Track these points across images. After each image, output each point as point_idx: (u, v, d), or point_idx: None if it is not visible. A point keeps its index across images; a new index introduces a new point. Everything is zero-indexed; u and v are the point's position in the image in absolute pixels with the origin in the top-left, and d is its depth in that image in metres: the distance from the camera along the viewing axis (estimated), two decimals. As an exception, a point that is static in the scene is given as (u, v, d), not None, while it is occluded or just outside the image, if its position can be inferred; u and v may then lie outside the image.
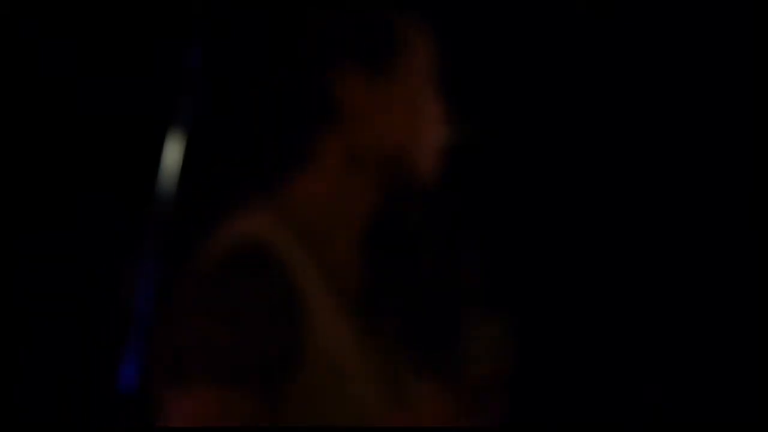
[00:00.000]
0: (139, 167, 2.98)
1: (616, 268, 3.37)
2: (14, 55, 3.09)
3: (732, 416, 3.20)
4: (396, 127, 1.55)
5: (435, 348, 1.53)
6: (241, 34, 2.86)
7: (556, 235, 3.39)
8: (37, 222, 3.12)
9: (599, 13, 3.29)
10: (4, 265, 3.09)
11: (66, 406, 3.10)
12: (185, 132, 2.86)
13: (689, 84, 3.29)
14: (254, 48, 1.61)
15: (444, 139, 1.59)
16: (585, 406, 3.34)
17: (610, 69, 3.33)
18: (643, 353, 3.35)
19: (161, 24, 3.11)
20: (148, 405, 1.50)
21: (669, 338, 3.33)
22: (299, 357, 1.43)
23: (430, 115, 1.58)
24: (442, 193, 1.62)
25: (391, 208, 1.57)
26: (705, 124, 3.30)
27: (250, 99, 1.67)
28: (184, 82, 2.89)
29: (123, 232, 2.98)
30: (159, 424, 1.44)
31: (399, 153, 1.55)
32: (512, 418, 2.87)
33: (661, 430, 3.30)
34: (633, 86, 3.33)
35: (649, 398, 3.32)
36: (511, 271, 3.35)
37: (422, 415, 1.51)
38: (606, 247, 3.37)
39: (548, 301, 3.38)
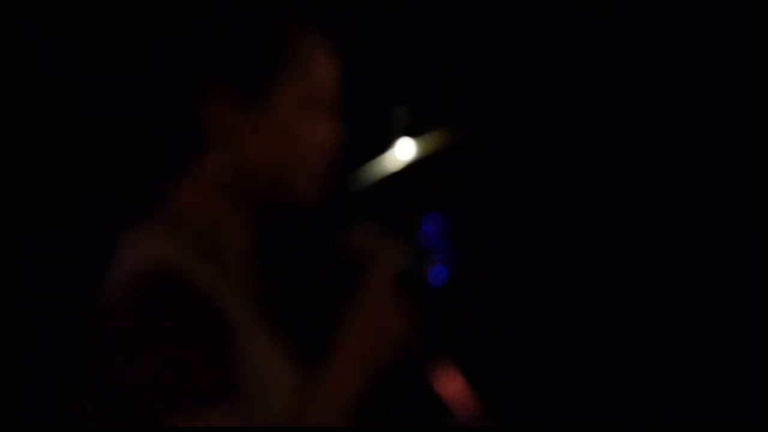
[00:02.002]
0: (139, 167, 2.98)
1: (616, 268, 3.37)
2: (14, 55, 3.09)
3: (732, 416, 3.20)
4: (271, 149, 1.52)
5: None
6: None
7: (555, 235, 3.39)
8: (37, 222, 3.12)
9: (599, 13, 3.29)
10: (4, 265, 3.09)
11: (66, 406, 3.09)
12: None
13: (689, 84, 3.29)
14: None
15: (329, 161, 1.56)
16: (585, 406, 3.34)
17: (610, 69, 3.33)
18: (643, 353, 3.35)
19: (161, 24, 3.11)
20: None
21: (669, 338, 3.33)
22: (237, 370, 1.41)
23: (314, 132, 1.53)
24: (333, 210, 1.60)
25: (275, 225, 1.56)
26: (705, 124, 3.30)
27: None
28: (184, 82, 2.88)
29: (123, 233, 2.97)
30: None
31: (274, 176, 1.52)
32: (512, 418, 2.87)
33: (661, 430, 3.30)
34: (633, 86, 3.33)
35: (649, 398, 3.32)
36: (511, 271, 3.35)
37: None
38: (606, 247, 3.37)
39: (548, 300, 3.38)
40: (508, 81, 3.37)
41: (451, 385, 2.16)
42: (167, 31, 1.59)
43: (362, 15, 1.55)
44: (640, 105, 3.33)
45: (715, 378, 3.27)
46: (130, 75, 3.14)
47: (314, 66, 1.54)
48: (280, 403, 1.45)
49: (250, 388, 1.42)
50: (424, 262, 1.54)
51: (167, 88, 1.55)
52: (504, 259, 3.29)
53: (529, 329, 3.37)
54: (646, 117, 3.33)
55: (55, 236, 3.13)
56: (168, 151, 1.56)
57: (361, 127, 2.15)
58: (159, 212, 1.54)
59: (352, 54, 1.60)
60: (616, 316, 3.36)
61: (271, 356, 1.49)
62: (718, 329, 3.28)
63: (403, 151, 3.16)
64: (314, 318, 1.59)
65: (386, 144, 3.14)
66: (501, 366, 3.26)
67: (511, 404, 3.21)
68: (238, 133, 1.51)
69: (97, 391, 1.44)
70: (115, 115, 3.15)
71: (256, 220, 1.54)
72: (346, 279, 1.54)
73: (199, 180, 1.53)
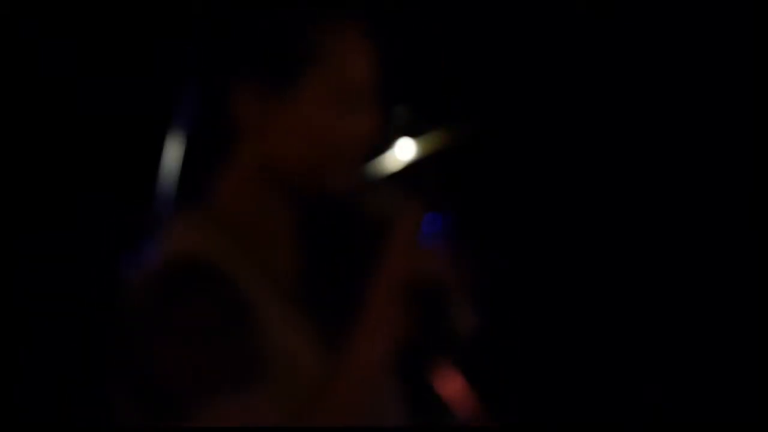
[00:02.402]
0: (139, 167, 2.98)
1: (617, 268, 3.37)
2: (14, 55, 3.09)
3: (732, 416, 3.20)
4: (301, 141, 1.52)
5: None
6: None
7: (555, 235, 3.39)
8: (37, 222, 3.12)
9: (599, 13, 3.29)
10: (4, 265, 3.09)
11: (66, 406, 3.10)
12: (185, 132, 2.86)
13: (689, 84, 3.29)
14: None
15: (362, 152, 1.57)
16: (585, 406, 3.34)
17: (610, 69, 3.33)
18: (643, 353, 3.35)
19: (161, 24, 3.11)
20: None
21: (669, 338, 3.33)
22: (262, 364, 1.42)
23: (345, 124, 1.54)
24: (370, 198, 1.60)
25: (313, 215, 1.57)
26: (705, 124, 3.30)
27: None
28: (184, 82, 2.88)
29: (123, 233, 2.98)
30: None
31: (308, 165, 1.53)
32: (512, 418, 2.87)
33: (661, 430, 3.30)
34: (633, 86, 3.33)
35: (649, 398, 3.32)
36: (511, 271, 3.35)
37: None
38: (606, 247, 3.37)
39: (548, 300, 3.38)
40: (508, 81, 3.38)
41: (451, 385, 2.16)
42: (192, 26, 1.58)
43: (362, 15, 1.54)
44: (640, 105, 3.33)
45: (715, 378, 3.27)
46: (130, 75, 3.14)
47: (344, 56, 1.54)
48: (305, 383, 1.46)
49: (279, 377, 1.43)
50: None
51: (197, 83, 1.55)
52: (504, 259, 3.30)
53: (528, 329, 3.37)
54: (646, 117, 3.33)
55: (55, 236, 3.13)
56: (204, 146, 1.56)
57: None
58: (197, 205, 1.55)
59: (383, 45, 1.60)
60: (616, 316, 3.36)
61: (305, 346, 1.50)
62: (718, 329, 3.28)
63: (403, 151, 3.17)
64: (342, 289, 1.59)
65: (386, 144, 3.14)
66: (501, 366, 3.26)
67: (511, 404, 3.21)
68: (269, 125, 1.52)
69: (126, 375, 1.46)
70: (115, 115, 3.15)
71: (294, 211, 1.55)
72: (368, 243, 1.55)
73: (235, 173, 1.54)
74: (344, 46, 1.54)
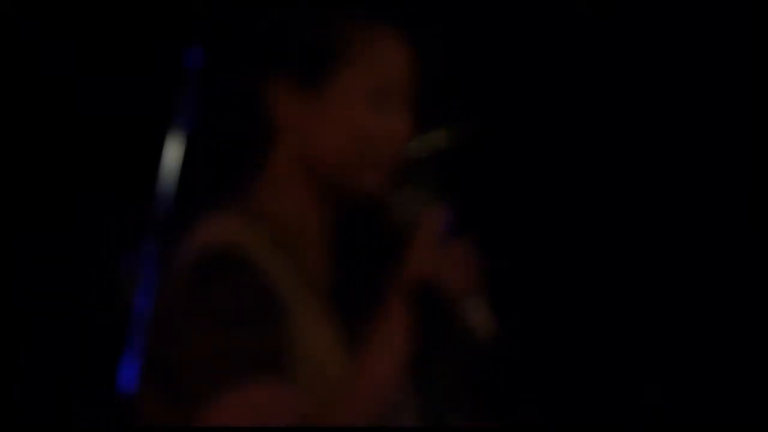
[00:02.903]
0: (139, 167, 2.98)
1: (617, 268, 3.37)
2: (14, 55, 3.09)
3: (732, 416, 3.20)
4: (334, 138, 1.53)
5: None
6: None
7: (555, 235, 3.39)
8: (37, 222, 3.12)
9: (599, 13, 3.28)
10: (4, 265, 3.09)
11: (66, 406, 3.10)
12: (185, 132, 2.86)
13: (689, 84, 3.29)
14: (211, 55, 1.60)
15: (398, 145, 1.57)
16: (585, 406, 3.34)
17: (610, 69, 3.33)
18: (643, 353, 3.35)
19: (161, 24, 3.11)
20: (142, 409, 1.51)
21: (669, 338, 3.33)
22: (288, 356, 1.43)
23: (378, 123, 1.54)
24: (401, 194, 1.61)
25: (346, 213, 1.58)
26: (705, 124, 3.30)
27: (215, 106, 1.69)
28: (184, 82, 2.89)
29: (123, 233, 2.98)
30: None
31: (341, 162, 1.54)
32: (512, 418, 2.87)
33: (661, 430, 3.30)
34: (633, 86, 3.32)
35: (649, 398, 3.32)
36: (510, 271, 3.34)
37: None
38: (607, 248, 3.37)
39: (548, 300, 3.38)
40: (508, 81, 3.37)
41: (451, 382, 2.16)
42: (230, 22, 1.59)
43: (362, 15, 1.55)
44: (641, 105, 3.33)
45: (715, 378, 3.27)
46: (130, 75, 3.14)
47: (380, 57, 1.55)
48: (329, 380, 1.47)
49: (303, 371, 1.44)
50: None
51: (235, 81, 1.56)
52: (504, 259, 3.29)
53: (528, 329, 3.37)
54: (647, 117, 3.33)
55: (55, 236, 3.13)
56: (241, 143, 1.57)
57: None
58: (233, 201, 1.56)
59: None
60: (616, 316, 3.36)
61: (330, 343, 1.51)
62: (718, 329, 3.27)
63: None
64: (369, 289, 1.60)
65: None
66: (501, 366, 3.25)
67: (511, 404, 3.21)
68: (304, 122, 1.53)
69: (155, 361, 1.47)
70: (115, 115, 3.15)
71: (327, 209, 1.56)
72: (393, 245, 1.56)
73: (272, 169, 1.55)
74: (379, 45, 1.56)
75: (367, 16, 1.54)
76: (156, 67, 3.10)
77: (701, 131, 3.30)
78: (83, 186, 3.15)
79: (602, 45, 3.32)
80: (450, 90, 3.40)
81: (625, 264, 3.36)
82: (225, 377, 1.36)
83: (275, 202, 1.53)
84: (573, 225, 3.38)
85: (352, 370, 1.46)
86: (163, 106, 2.96)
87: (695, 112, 3.29)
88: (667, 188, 3.33)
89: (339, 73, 1.51)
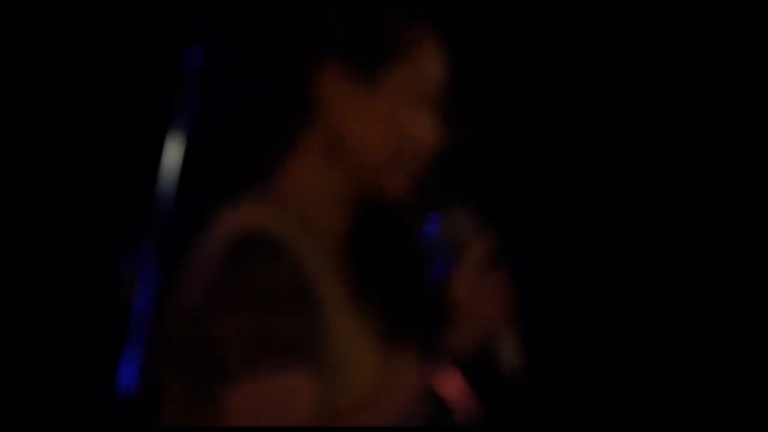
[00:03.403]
0: (139, 167, 2.98)
1: (617, 268, 3.37)
2: (14, 55, 3.09)
3: (732, 416, 3.20)
4: (374, 133, 1.54)
5: (422, 328, 1.55)
6: (238, 30, 2.85)
7: (556, 234, 3.39)
8: (37, 222, 3.12)
9: (599, 13, 3.29)
10: (4, 265, 3.09)
11: (66, 406, 3.10)
12: (185, 132, 2.86)
13: (689, 84, 3.29)
14: (246, 43, 1.60)
15: (429, 151, 1.58)
16: (585, 406, 3.34)
17: (610, 69, 3.33)
18: (643, 353, 3.35)
19: (161, 24, 3.11)
20: (150, 405, 1.51)
21: (669, 338, 3.33)
22: (320, 341, 1.44)
23: (416, 126, 1.55)
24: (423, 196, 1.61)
25: (370, 207, 1.58)
26: (705, 124, 3.30)
27: (240, 92, 1.68)
28: (184, 82, 2.89)
29: (123, 232, 2.98)
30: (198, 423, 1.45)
31: (376, 158, 1.54)
32: (513, 418, 2.86)
33: (661, 430, 3.30)
34: (633, 86, 3.33)
35: (649, 398, 3.32)
36: (511, 271, 3.34)
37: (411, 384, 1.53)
38: (607, 247, 3.37)
39: (548, 300, 3.38)
40: (508, 81, 3.37)
41: (451, 385, 2.16)
42: (287, 4, 1.58)
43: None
44: (640, 105, 3.33)
45: (715, 378, 3.27)
46: (130, 75, 3.14)
47: (425, 59, 1.56)
48: (361, 382, 1.47)
49: (333, 361, 1.44)
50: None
51: (283, 61, 1.55)
52: (504, 259, 3.29)
53: (529, 329, 3.37)
54: (646, 117, 3.33)
55: (55, 236, 3.13)
56: (278, 125, 1.57)
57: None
58: (264, 184, 1.56)
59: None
60: (616, 316, 3.36)
61: (357, 334, 1.51)
62: (719, 329, 3.28)
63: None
64: (400, 299, 1.60)
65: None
66: (501, 366, 3.25)
67: (512, 404, 3.21)
68: (346, 113, 1.53)
69: (189, 348, 1.47)
70: (115, 115, 3.15)
71: (353, 203, 1.56)
72: (435, 263, 1.56)
73: (305, 156, 1.55)
74: (429, 48, 1.56)
75: (419, 17, 1.55)
76: (156, 67, 3.10)
77: (701, 131, 3.30)
78: (83, 186, 3.15)
79: (602, 45, 3.32)
80: (450, 90, 3.40)
81: (626, 264, 3.36)
82: (253, 361, 1.37)
83: (302, 185, 1.53)
84: (574, 224, 3.38)
85: (381, 371, 1.47)
86: (163, 106, 2.97)
87: (695, 113, 3.29)
88: (667, 188, 3.33)
89: (393, 69, 1.51)
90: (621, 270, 3.36)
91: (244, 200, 1.54)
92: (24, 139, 3.12)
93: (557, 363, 3.27)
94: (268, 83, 1.59)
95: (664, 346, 3.33)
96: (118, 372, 2.78)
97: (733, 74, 3.25)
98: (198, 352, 1.43)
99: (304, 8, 1.56)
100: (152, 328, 2.66)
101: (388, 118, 1.53)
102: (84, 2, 3.12)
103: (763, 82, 3.22)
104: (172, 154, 2.83)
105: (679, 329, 3.32)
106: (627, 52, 3.31)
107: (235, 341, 1.40)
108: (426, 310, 1.54)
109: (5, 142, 3.11)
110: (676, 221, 3.33)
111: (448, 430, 2.05)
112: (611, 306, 3.35)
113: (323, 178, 1.55)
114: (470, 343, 1.56)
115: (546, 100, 3.36)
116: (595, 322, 3.36)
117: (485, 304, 1.55)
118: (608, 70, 3.33)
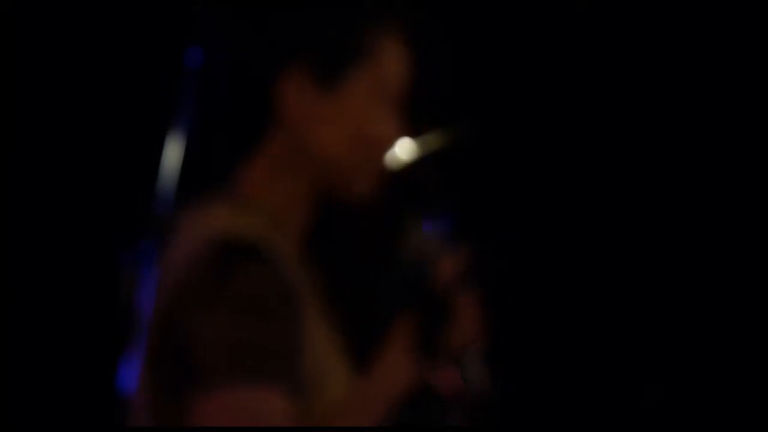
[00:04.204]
0: (139, 167, 2.98)
1: (617, 268, 3.37)
2: (14, 55, 3.09)
3: (732, 416, 3.21)
4: (339, 135, 1.53)
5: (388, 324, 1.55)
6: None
7: (555, 234, 3.39)
8: (38, 221, 3.13)
9: (599, 12, 3.29)
10: (4, 265, 3.10)
11: (66, 406, 3.10)
12: (185, 132, 2.86)
13: (689, 84, 3.29)
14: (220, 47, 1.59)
15: (392, 157, 1.58)
16: (585, 406, 3.34)
17: (609, 69, 3.33)
18: (643, 353, 3.35)
19: (161, 24, 3.12)
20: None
21: (670, 338, 3.33)
22: (302, 345, 1.43)
23: (380, 126, 1.55)
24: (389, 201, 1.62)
25: (337, 208, 1.58)
26: (705, 124, 3.30)
27: (209, 94, 1.68)
28: (184, 82, 2.89)
29: (123, 232, 2.98)
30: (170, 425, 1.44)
31: (341, 159, 1.54)
32: (512, 418, 2.87)
33: (661, 430, 3.31)
34: (633, 86, 3.33)
35: (649, 398, 3.32)
36: (511, 272, 3.35)
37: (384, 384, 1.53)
38: (606, 247, 3.37)
39: (548, 300, 3.38)
40: (508, 81, 3.38)
41: (451, 385, 2.17)
42: (249, 9, 1.58)
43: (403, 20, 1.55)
44: (640, 105, 3.34)
45: (715, 378, 3.27)
46: (130, 75, 3.15)
47: (389, 60, 1.56)
48: (332, 391, 1.46)
49: (308, 371, 1.44)
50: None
51: (246, 66, 1.55)
52: (504, 259, 3.30)
53: (529, 329, 3.38)
54: (646, 117, 3.33)
55: (55, 236, 3.13)
56: (241, 129, 1.56)
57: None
58: (227, 188, 1.55)
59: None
60: (616, 316, 3.36)
61: (326, 340, 1.50)
62: (719, 329, 3.28)
63: (403, 151, 3.17)
64: (366, 310, 1.60)
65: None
66: (501, 366, 3.26)
67: (511, 404, 3.21)
68: (310, 118, 1.53)
69: (164, 353, 1.46)
70: (115, 115, 3.15)
71: (314, 207, 1.56)
72: (403, 279, 1.56)
73: (268, 160, 1.54)
74: (390, 50, 1.56)
75: (380, 20, 1.54)
76: (156, 67, 3.10)
77: (701, 131, 3.30)
78: (83, 186, 3.15)
79: (602, 45, 3.32)
80: (450, 90, 3.41)
81: (626, 264, 3.36)
82: (230, 369, 1.36)
83: (266, 190, 1.52)
84: (573, 224, 3.38)
85: (355, 386, 1.46)
86: (163, 106, 2.97)
87: (695, 113, 3.30)
88: (667, 188, 3.33)
89: (355, 74, 1.51)
90: (619, 269, 3.37)
91: (211, 202, 1.53)
92: (24, 138, 3.12)
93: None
94: (232, 87, 1.59)
95: (639, 367, 3.34)
96: (118, 372, 2.78)
97: (733, 74, 3.25)
98: (173, 357, 1.42)
99: (266, 14, 1.55)
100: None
101: (352, 119, 1.53)
102: (84, 2, 3.12)
103: (764, 82, 3.22)
104: (172, 153, 2.83)
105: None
106: (626, 52, 3.32)
107: (215, 349, 1.38)
108: (402, 307, 1.53)
109: (5, 142, 3.11)
110: (676, 220, 3.33)
111: (448, 430, 2.05)
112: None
113: (288, 181, 1.54)
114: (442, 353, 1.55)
115: (544, 99, 3.36)
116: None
117: (456, 318, 1.55)
118: (607, 69, 3.33)
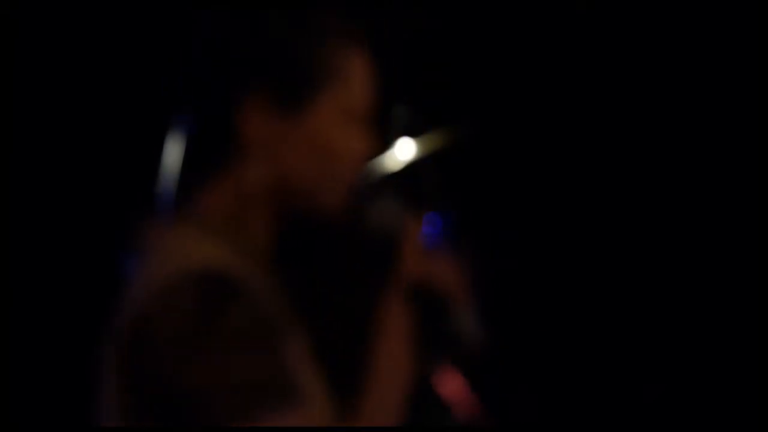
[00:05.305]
0: (139, 167, 2.98)
1: (617, 268, 3.37)
2: (14, 55, 3.09)
3: (732, 416, 3.21)
4: (305, 155, 1.52)
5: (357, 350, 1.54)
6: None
7: (555, 234, 3.39)
8: (37, 222, 3.13)
9: (599, 12, 3.29)
10: (4, 265, 3.10)
11: (66, 406, 3.10)
12: (185, 132, 2.86)
13: (689, 84, 3.29)
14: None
15: (361, 177, 1.56)
16: (585, 406, 3.34)
17: (609, 69, 3.33)
18: (643, 354, 3.35)
19: (161, 24, 3.12)
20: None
21: (670, 339, 3.33)
22: (291, 376, 1.41)
23: (347, 144, 1.53)
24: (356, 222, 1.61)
25: (305, 226, 1.56)
26: (705, 124, 3.30)
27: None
28: (184, 82, 2.89)
29: (123, 233, 2.98)
30: None
31: (308, 180, 1.52)
32: (511, 418, 2.87)
33: (661, 430, 3.31)
34: (632, 86, 3.33)
35: (649, 398, 3.32)
36: (511, 272, 3.35)
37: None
38: (606, 247, 3.37)
39: (549, 300, 3.38)
40: (508, 81, 3.38)
41: (451, 385, 2.16)
42: (208, 34, 1.56)
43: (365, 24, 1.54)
44: (640, 105, 3.34)
45: (715, 378, 3.27)
46: (130, 75, 3.14)
47: (353, 77, 1.53)
48: (314, 409, 1.44)
49: (303, 395, 1.42)
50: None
51: (207, 93, 1.54)
52: (504, 260, 3.30)
53: (529, 329, 3.38)
54: (645, 117, 3.33)
55: (55, 236, 3.13)
56: (203, 155, 1.55)
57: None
58: (190, 215, 1.53)
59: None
60: (616, 316, 3.36)
61: (304, 360, 1.49)
62: (719, 329, 3.28)
63: (403, 151, 3.17)
64: (338, 312, 1.60)
65: (386, 144, 3.14)
66: (501, 366, 3.26)
67: (511, 404, 3.21)
68: (275, 143, 1.51)
69: (138, 391, 1.44)
70: (115, 115, 3.15)
71: (285, 229, 1.54)
72: (369, 257, 1.56)
73: (232, 187, 1.52)
74: (353, 67, 1.54)
75: (342, 39, 1.52)
76: (156, 66, 3.10)
77: (701, 131, 3.30)
78: (83, 186, 3.15)
79: (602, 45, 3.32)
80: (450, 90, 3.41)
81: (625, 264, 3.36)
82: (239, 409, 1.33)
83: (230, 216, 1.50)
84: (573, 224, 3.38)
85: (363, 388, 1.46)
86: (163, 106, 2.97)
87: (695, 113, 3.30)
88: (666, 188, 3.33)
89: (317, 95, 1.49)
90: (618, 269, 3.37)
91: (175, 236, 1.51)
92: (24, 138, 3.13)
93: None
94: (195, 113, 1.57)
95: (639, 367, 3.34)
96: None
97: (734, 75, 3.25)
98: (171, 403, 1.39)
99: (227, 38, 1.53)
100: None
101: (319, 140, 1.51)
102: (84, 3, 3.12)
103: (764, 82, 3.22)
104: (172, 153, 2.83)
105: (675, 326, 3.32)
106: (626, 52, 3.32)
107: (220, 390, 1.35)
108: (378, 287, 1.53)
109: (5, 142, 3.11)
110: (675, 220, 3.34)
111: (448, 430, 2.05)
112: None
113: (257, 206, 1.52)
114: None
115: (544, 99, 3.37)
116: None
117: (436, 280, 1.54)
118: (607, 69, 3.33)
